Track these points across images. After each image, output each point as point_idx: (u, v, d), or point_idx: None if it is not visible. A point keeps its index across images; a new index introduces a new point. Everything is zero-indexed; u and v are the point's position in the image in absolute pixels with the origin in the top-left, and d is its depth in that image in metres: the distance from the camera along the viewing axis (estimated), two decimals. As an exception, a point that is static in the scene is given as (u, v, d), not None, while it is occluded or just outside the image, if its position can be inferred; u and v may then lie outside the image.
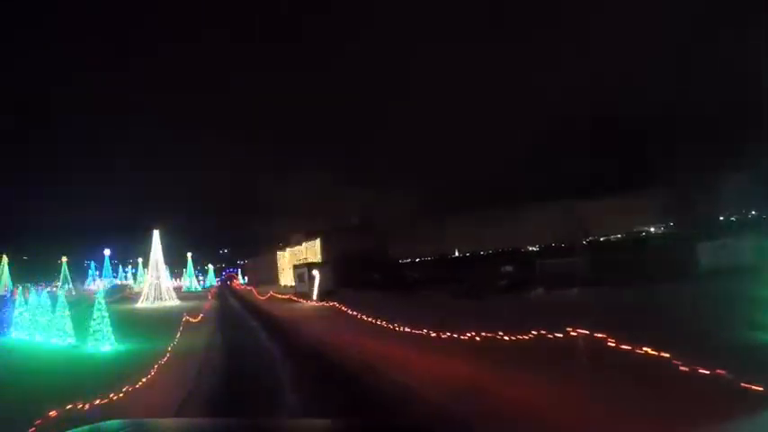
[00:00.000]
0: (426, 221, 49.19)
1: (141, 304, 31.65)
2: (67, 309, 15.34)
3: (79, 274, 71.45)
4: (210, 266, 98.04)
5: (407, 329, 12.05)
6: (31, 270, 66.21)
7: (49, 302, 16.30)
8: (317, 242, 49.76)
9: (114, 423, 2.27)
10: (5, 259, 52.35)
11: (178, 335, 14.84)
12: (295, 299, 27.72)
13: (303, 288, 36.30)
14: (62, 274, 53.10)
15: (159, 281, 32.77)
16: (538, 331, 7.32)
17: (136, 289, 49.09)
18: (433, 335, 10.27)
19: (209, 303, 30.88)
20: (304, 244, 52.84)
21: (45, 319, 15.67)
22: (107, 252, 55.06)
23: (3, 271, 51.27)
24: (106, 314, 14.21)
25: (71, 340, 14.53)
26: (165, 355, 10.67)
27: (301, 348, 12.58)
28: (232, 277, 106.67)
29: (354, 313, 16.78)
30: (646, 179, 33.29)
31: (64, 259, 54.80)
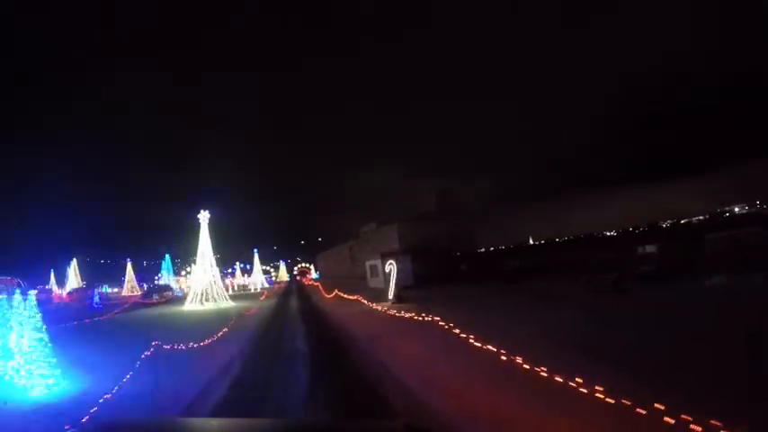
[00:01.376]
0: (507, 206, 42.24)
1: (187, 306, 26.55)
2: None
3: (150, 274, 73.13)
4: (282, 262, 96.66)
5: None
6: (102, 272, 69.80)
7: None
8: (393, 230, 42.51)
9: (114, 423, 2.49)
10: (74, 262, 54.34)
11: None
12: (365, 301, 20.20)
13: (377, 283, 29.13)
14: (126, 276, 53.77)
15: (209, 277, 27.49)
16: None
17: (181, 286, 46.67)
18: None
19: (258, 307, 24.64)
20: (378, 233, 45.91)
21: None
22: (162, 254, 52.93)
23: (74, 273, 52.98)
24: (42, 336, 7.86)
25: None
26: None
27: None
28: (305, 272, 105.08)
29: (470, 339, 8.32)
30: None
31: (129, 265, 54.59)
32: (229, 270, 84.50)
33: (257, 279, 66.16)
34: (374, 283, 31.55)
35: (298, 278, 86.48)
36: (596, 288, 15.61)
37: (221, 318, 18.07)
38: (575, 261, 24.48)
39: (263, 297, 30.34)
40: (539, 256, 35.74)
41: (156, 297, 36.35)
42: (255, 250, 65.74)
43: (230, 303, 27.33)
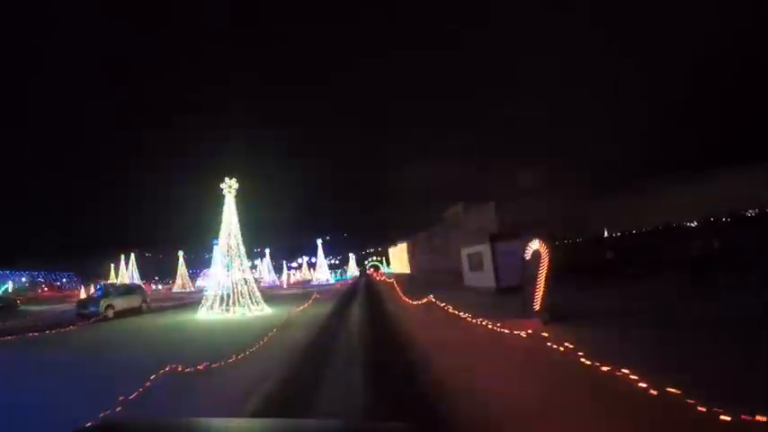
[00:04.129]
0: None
1: (203, 314, 18.35)
2: None
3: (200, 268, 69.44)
4: (352, 255, 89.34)
5: None
6: (156, 266, 68.17)
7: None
8: (490, 209, 31.28)
9: (114, 423, 2.34)
10: (133, 256, 51.63)
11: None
12: (480, 319, 9.51)
13: (481, 280, 18.68)
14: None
15: (237, 274, 19.04)
16: None
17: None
18: None
19: (301, 323, 15.36)
20: (469, 215, 34.94)
21: None
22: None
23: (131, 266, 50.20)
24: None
25: None
26: None
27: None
28: (377, 266, 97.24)
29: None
30: None
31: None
32: (294, 264, 79.05)
33: (323, 275, 58.86)
34: (475, 279, 20.77)
35: (369, 272, 78.38)
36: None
37: (237, 339, 9.04)
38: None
39: (310, 302, 21.22)
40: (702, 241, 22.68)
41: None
42: (319, 241, 58.31)
43: (266, 311, 18.63)
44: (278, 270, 77.55)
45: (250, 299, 18.99)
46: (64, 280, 72.39)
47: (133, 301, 21.96)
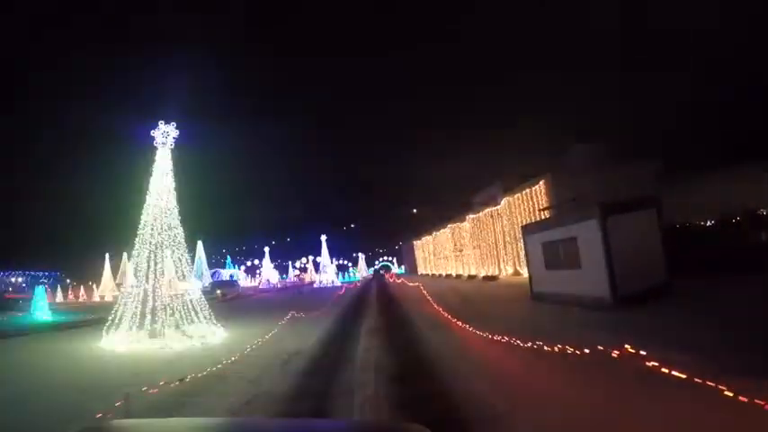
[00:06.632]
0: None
1: (106, 342, 10.77)
2: None
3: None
4: (361, 255, 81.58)
5: None
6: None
7: None
8: (541, 185, 23.45)
9: (114, 423, 2.29)
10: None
11: None
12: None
13: (572, 284, 12.22)
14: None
15: (170, 274, 11.40)
16: None
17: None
18: None
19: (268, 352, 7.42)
20: (512, 196, 27.10)
21: None
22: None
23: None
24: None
25: None
26: None
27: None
28: (389, 266, 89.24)
29: None
30: None
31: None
32: (298, 264, 71.74)
33: (328, 276, 51.32)
34: (558, 283, 12.93)
35: (382, 273, 70.47)
36: None
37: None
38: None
39: (316, 311, 13.51)
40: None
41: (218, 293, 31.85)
42: (324, 238, 50.65)
43: (215, 337, 11.02)
44: (284, 270, 70.45)
45: (192, 316, 11.40)
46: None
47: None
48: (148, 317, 11.13)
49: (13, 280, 66.65)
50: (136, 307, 11.33)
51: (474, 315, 11.58)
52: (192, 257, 41.33)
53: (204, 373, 6.31)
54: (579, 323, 9.18)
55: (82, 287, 51.71)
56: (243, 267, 65.93)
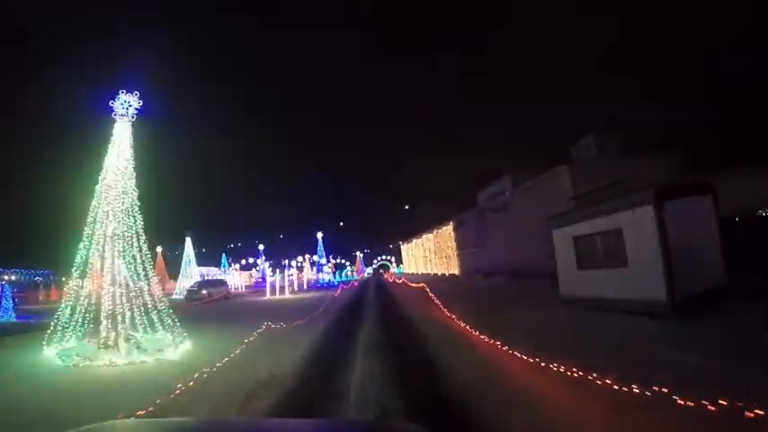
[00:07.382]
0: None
1: (49, 352, 8.61)
2: None
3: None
4: (359, 253, 79.34)
5: None
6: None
7: None
8: (561, 177, 21.35)
9: (114, 423, 2.12)
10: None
11: None
12: None
13: (613, 286, 10.27)
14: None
15: (118, 274, 9.23)
16: None
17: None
18: None
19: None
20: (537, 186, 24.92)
21: None
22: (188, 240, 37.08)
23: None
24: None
25: None
26: None
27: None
28: (386, 266, 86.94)
29: None
30: None
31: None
32: (296, 264, 69.55)
33: (325, 276, 49.20)
34: (595, 284, 10.79)
35: (381, 271, 68.38)
36: None
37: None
38: None
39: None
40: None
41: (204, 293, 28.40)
42: (320, 235, 48.44)
43: (177, 351, 8.86)
44: (279, 269, 68.00)
45: (153, 323, 9.25)
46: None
47: None
48: (104, 323, 8.99)
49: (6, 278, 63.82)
50: (80, 312, 9.20)
51: (499, 324, 9.47)
52: (180, 254, 39.47)
53: (140, 411, 4.24)
54: (648, 338, 7.08)
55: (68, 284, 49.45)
56: (238, 266, 63.64)
